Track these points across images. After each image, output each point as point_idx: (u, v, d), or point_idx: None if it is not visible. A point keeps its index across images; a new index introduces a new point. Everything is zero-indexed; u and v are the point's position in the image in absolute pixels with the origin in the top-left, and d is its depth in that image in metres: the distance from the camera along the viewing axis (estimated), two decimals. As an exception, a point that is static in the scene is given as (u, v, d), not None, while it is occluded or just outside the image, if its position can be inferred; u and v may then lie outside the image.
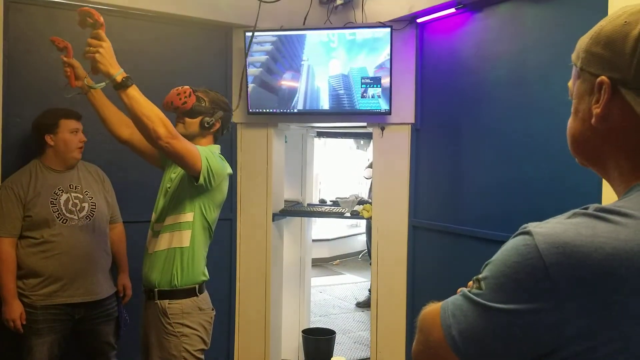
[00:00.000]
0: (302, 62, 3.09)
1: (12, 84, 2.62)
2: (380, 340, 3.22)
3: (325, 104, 3.09)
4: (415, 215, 3.10)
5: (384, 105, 3.00)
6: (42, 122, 2.50)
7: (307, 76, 3.09)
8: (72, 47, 2.11)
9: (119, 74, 1.82)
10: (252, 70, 3.13)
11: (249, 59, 3.11)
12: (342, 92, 3.05)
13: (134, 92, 1.84)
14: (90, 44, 1.80)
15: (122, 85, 1.82)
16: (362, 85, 3.01)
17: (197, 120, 2.19)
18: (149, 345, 2.15)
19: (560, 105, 2.17)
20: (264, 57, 3.12)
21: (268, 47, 3.10)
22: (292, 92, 3.13)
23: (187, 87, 2.17)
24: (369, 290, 6.02)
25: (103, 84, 1.91)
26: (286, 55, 3.10)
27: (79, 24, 1.85)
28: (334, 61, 3.05)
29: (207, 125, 2.20)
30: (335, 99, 3.07)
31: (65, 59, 2.10)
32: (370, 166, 5.89)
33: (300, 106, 3.13)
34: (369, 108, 3.03)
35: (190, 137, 2.14)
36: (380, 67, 2.97)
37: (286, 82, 3.13)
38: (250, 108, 3.18)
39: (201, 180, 2.03)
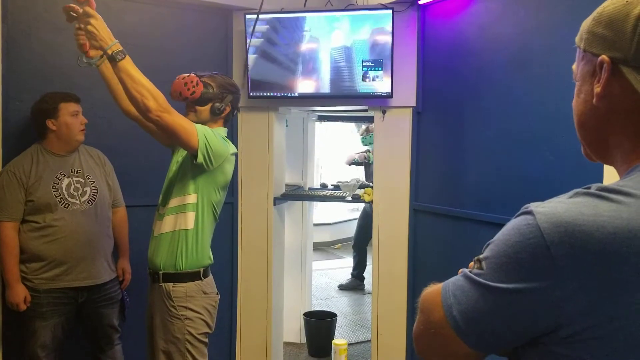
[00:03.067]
0: (304, 33, 3.05)
1: (12, 67, 2.61)
2: (381, 323, 3.24)
3: (325, 75, 3.07)
4: (416, 199, 3.10)
5: (385, 89, 2.98)
6: (41, 107, 2.49)
7: (308, 47, 3.07)
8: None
9: (110, 47, 1.83)
10: (253, 41, 3.10)
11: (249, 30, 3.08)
12: (343, 64, 3.03)
13: (125, 65, 1.85)
14: (80, 21, 1.84)
15: (113, 59, 1.84)
16: (364, 68, 3.00)
17: (208, 107, 2.19)
18: (153, 327, 2.17)
19: (563, 88, 2.16)
20: (264, 27, 3.09)
21: (270, 17, 3.08)
22: (294, 62, 3.10)
23: (193, 75, 2.16)
24: (351, 274, 6.03)
25: (97, 58, 1.92)
26: (287, 26, 3.08)
27: (67, 20, 1.89)
28: (336, 32, 3.02)
29: (218, 112, 2.20)
30: (336, 72, 3.05)
31: (81, 25, 1.95)
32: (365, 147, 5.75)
33: (300, 77, 3.11)
34: (370, 91, 3.02)
35: (202, 124, 2.14)
36: (382, 49, 2.95)
37: (288, 50, 3.11)
38: (251, 87, 3.16)
39: (200, 158, 2.01)
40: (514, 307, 0.68)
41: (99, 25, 1.83)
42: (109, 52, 1.83)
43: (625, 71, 0.72)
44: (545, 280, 0.65)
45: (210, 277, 2.23)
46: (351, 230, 8.65)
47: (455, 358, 0.78)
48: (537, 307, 0.67)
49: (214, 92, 2.19)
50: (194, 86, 2.13)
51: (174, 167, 2.24)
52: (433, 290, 0.80)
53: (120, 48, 1.85)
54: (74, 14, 1.86)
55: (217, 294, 2.24)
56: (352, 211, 8.58)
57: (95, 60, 2.00)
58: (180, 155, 2.21)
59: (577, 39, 0.81)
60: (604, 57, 0.73)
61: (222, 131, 2.22)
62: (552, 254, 0.65)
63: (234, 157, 2.22)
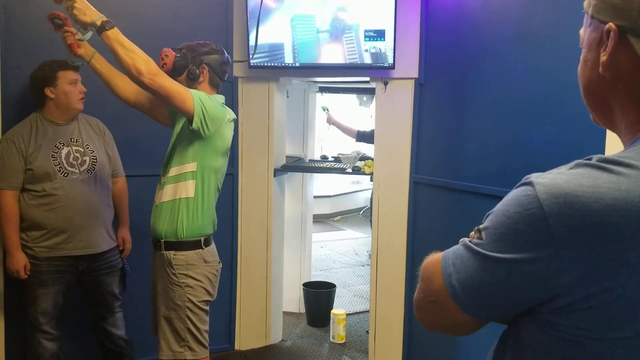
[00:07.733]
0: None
1: (11, 35, 2.58)
2: (379, 294, 3.27)
3: (323, 45, 3.04)
4: (416, 171, 3.10)
5: (387, 60, 2.95)
6: (40, 75, 2.47)
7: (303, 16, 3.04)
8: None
9: (98, 19, 1.90)
10: (253, 11, 3.08)
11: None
12: (343, 34, 3.00)
13: (115, 34, 1.91)
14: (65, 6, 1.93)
15: (103, 28, 1.90)
16: (366, 39, 2.96)
17: (185, 74, 2.19)
18: (156, 294, 2.20)
19: (567, 61, 2.14)
20: None
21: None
22: (293, 32, 3.07)
23: (164, 48, 2.18)
24: None
25: (90, 33, 2.00)
26: None
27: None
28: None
29: (192, 75, 2.19)
30: (334, 42, 3.02)
31: (66, 28, 2.16)
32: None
33: (299, 47, 3.08)
34: (372, 62, 2.99)
35: None
36: (385, 19, 2.91)
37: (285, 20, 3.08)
38: (252, 57, 3.13)
39: (196, 122, 2.02)
40: (511, 277, 0.68)
41: (84, 4, 1.91)
42: (98, 23, 1.89)
43: (632, 41, 0.70)
44: (543, 250, 0.66)
45: (213, 245, 2.25)
46: (351, 202, 8.70)
47: (454, 326, 0.79)
48: (534, 277, 0.67)
49: (187, 58, 2.19)
50: (162, 58, 2.15)
51: (174, 137, 2.24)
52: (434, 259, 0.80)
53: (108, 19, 1.92)
54: (59, 21, 2.04)
55: (219, 262, 2.26)
56: (352, 184, 8.59)
57: (80, 60, 2.12)
58: (179, 126, 2.21)
59: (585, 3, 0.79)
60: (611, 25, 0.72)
61: (220, 98, 2.22)
62: (551, 225, 0.65)
63: (232, 124, 2.23)
